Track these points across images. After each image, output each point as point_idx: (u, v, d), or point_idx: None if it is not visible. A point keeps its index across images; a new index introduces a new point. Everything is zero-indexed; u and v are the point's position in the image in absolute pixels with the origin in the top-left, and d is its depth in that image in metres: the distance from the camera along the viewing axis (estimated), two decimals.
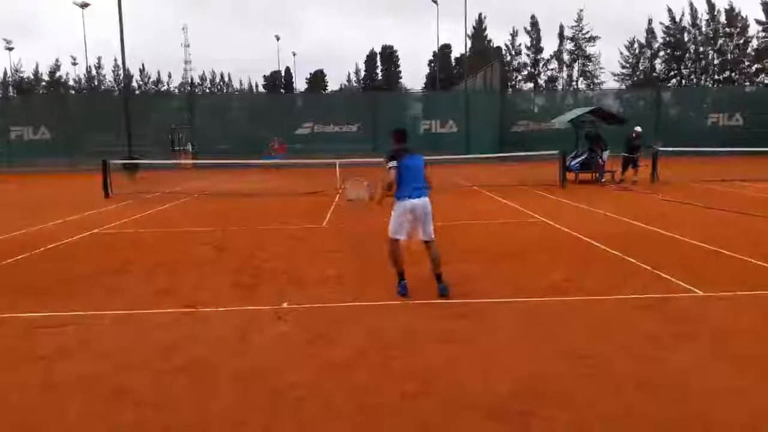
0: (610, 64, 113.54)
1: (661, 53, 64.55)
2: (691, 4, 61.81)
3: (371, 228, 9.96)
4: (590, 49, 67.67)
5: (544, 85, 67.76)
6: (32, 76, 78.48)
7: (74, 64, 79.36)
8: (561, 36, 67.45)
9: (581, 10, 66.10)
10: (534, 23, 67.89)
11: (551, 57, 68.58)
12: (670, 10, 62.41)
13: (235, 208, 15.31)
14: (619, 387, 4.15)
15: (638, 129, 19.81)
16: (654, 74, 64.13)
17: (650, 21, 64.08)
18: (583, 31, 66.76)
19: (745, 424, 3.67)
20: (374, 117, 37.43)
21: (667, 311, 5.87)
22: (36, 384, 4.41)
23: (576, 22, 66.56)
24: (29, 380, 4.49)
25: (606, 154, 19.75)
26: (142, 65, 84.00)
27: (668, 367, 4.48)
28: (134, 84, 79.83)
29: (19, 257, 9.04)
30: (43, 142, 37.05)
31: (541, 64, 69.07)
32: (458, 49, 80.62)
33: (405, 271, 6.61)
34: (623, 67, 66.04)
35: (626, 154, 19.41)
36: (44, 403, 4.12)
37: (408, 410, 3.90)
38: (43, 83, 77.93)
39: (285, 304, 6.32)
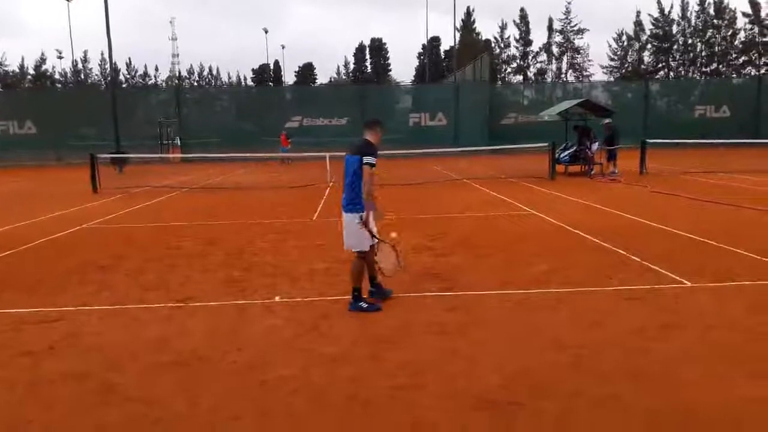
0: (598, 56, 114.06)
1: (649, 45, 64.76)
2: None
3: None
4: (579, 42, 67.86)
5: (533, 77, 67.81)
6: (17, 70, 77.52)
7: (60, 57, 78.48)
8: (550, 29, 67.58)
9: (569, 3, 66.21)
10: (523, 16, 67.92)
11: (540, 49, 68.69)
12: (659, 2, 62.66)
13: (224, 202, 15.25)
14: (606, 377, 4.19)
15: (607, 121, 20.33)
16: (642, 66, 64.36)
17: (638, 13, 64.32)
18: (572, 24, 66.91)
19: (732, 412, 3.71)
20: (363, 110, 37.35)
21: (655, 302, 5.92)
22: (24, 380, 4.38)
23: (564, 14, 66.68)
24: (17, 376, 4.46)
25: (595, 147, 19.89)
26: (129, 59, 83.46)
27: (656, 357, 4.52)
28: (121, 78, 79.17)
29: (7, 252, 8.97)
30: (29, 136, 36.69)
31: (530, 57, 69.12)
32: (447, 42, 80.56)
33: (379, 281, 6.17)
34: (612, 59, 66.28)
35: (608, 148, 19.71)
36: (32, 399, 4.10)
37: (398, 402, 3.91)
38: (29, 77, 77.01)
39: (276, 298, 6.31)
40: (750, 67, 61.36)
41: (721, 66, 62.11)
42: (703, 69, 62.88)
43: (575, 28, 66.94)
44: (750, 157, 23.88)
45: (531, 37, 68.64)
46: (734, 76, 59.08)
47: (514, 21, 68.36)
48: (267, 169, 26.62)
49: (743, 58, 61.69)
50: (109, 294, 6.64)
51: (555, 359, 4.53)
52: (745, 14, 59.86)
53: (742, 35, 61.12)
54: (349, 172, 5.82)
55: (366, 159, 5.65)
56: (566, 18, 66.69)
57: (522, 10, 67.93)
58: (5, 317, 5.89)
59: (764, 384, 4.05)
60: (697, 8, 61.60)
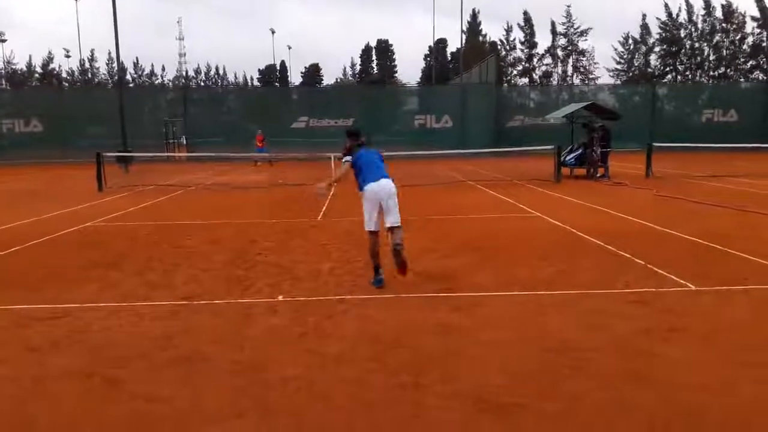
0: (605, 59, 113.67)
1: (657, 49, 64.56)
2: (687, 0, 61.82)
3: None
4: (583, 44, 67.64)
5: (538, 80, 67.66)
6: (25, 69, 77.85)
7: (67, 56, 78.77)
8: (553, 32, 67.35)
9: (569, 6, 66.11)
10: (527, 19, 67.69)
11: (545, 52, 68.49)
12: (666, 5, 62.44)
13: (228, 201, 15.29)
14: (610, 380, 4.18)
15: (600, 123, 20.37)
16: (649, 70, 64.13)
17: (644, 16, 64.08)
18: (575, 26, 66.69)
19: (738, 416, 3.69)
20: (369, 111, 37.44)
21: (660, 305, 5.90)
22: (29, 376, 4.40)
23: (566, 17, 66.46)
24: (22, 372, 4.48)
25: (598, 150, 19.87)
26: (137, 58, 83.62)
27: (660, 361, 4.50)
28: (128, 77, 79.41)
29: (12, 249, 9.01)
30: (35, 134, 36.83)
31: (535, 60, 68.94)
32: (454, 44, 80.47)
33: (381, 264, 6.70)
34: (618, 62, 66.04)
35: (601, 150, 19.66)
36: (38, 396, 4.11)
37: (401, 402, 3.91)
38: (36, 76, 77.34)
39: (280, 297, 6.32)
40: (758, 72, 61.10)
41: (729, 70, 61.80)
42: (711, 73, 62.58)
43: (578, 30, 66.69)
44: (757, 161, 23.79)
45: (536, 39, 68.43)
46: (742, 80, 58.83)
47: (518, 24, 68.12)
48: (272, 169, 26.68)
49: (751, 62, 61.42)
50: (114, 291, 6.67)
51: (559, 361, 4.52)
52: (754, 18, 59.62)
53: (750, 39, 60.89)
54: (376, 160, 6.80)
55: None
56: (568, 21, 66.53)
57: (525, 12, 67.72)
58: (10, 314, 5.92)
59: None
60: (703, 12, 61.37)
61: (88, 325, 5.52)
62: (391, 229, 6.62)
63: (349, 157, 6.79)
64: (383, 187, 6.57)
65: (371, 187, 6.55)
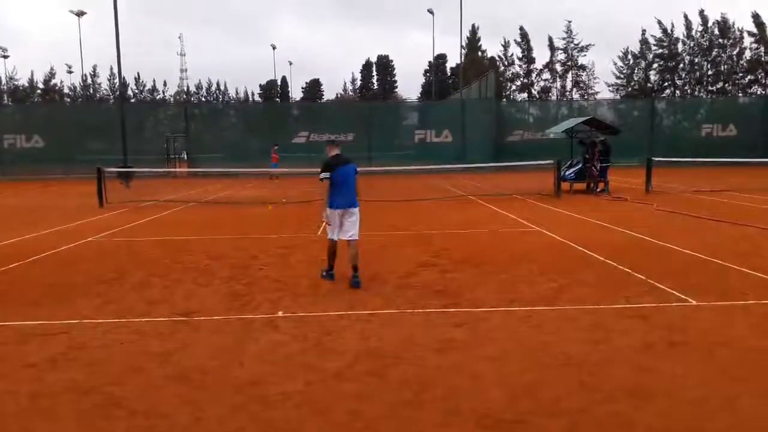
0: (604, 74, 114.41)
1: (655, 64, 64.86)
2: (686, 16, 62.21)
3: (366, 238, 9.94)
4: (582, 60, 67.88)
5: (537, 95, 67.82)
6: (27, 84, 78.20)
7: (70, 72, 79.17)
8: (551, 48, 67.60)
9: (570, 22, 66.42)
10: (523, 35, 67.93)
11: (543, 68, 68.69)
12: (660, 22, 62.81)
13: (229, 217, 15.30)
14: (611, 395, 4.16)
15: (601, 138, 20.42)
16: (648, 85, 64.38)
17: (643, 32, 64.47)
18: (574, 42, 66.95)
19: (738, 431, 3.68)
20: (369, 127, 37.58)
21: (660, 320, 5.89)
22: (27, 392, 4.39)
23: (565, 33, 66.75)
24: (20, 388, 4.46)
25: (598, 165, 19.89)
26: (138, 74, 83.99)
27: (661, 376, 4.49)
28: (129, 92, 79.73)
29: (12, 265, 9.00)
30: (37, 150, 36.91)
31: (533, 75, 69.17)
32: (453, 59, 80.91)
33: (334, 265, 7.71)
34: (617, 77, 66.30)
35: (601, 165, 19.66)
36: (35, 412, 4.10)
37: (401, 419, 3.89)
38: (38, 91, 77.68)
39: (280, 313, 6.31)
40: (756, 86, 61.38)
41: (727, 85, 62.04)
42: (710, 88, 62.82)
43: (578, 46, 66.93)
44: (756, 175, 23.82)
45: (534, 54, 68.64)
46: (741, 95, 59.07)
47: (515, 40, 68.33)
48: (272, 185, 26.74)
49: (749, 77, 61.71)
50: (114, 307, 6.66)
51: (560, 377, 4.51)
52: (750, 33, 60.03)
53: (747, 54, 61.22)
54: (351, 178, 7.56)
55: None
56: (568, 36, 66.81)
57: (521, 28, 67.96)
58: (10, 330, 5.91)
59: None
60: (700, 28, 61.75)
61: (87, 341, 5.51)
62: (350, 242, 7.51)
63: (326, 174, 7.47)
64: (347, 211, 7.51)
65: (337, 211, 7.50)
